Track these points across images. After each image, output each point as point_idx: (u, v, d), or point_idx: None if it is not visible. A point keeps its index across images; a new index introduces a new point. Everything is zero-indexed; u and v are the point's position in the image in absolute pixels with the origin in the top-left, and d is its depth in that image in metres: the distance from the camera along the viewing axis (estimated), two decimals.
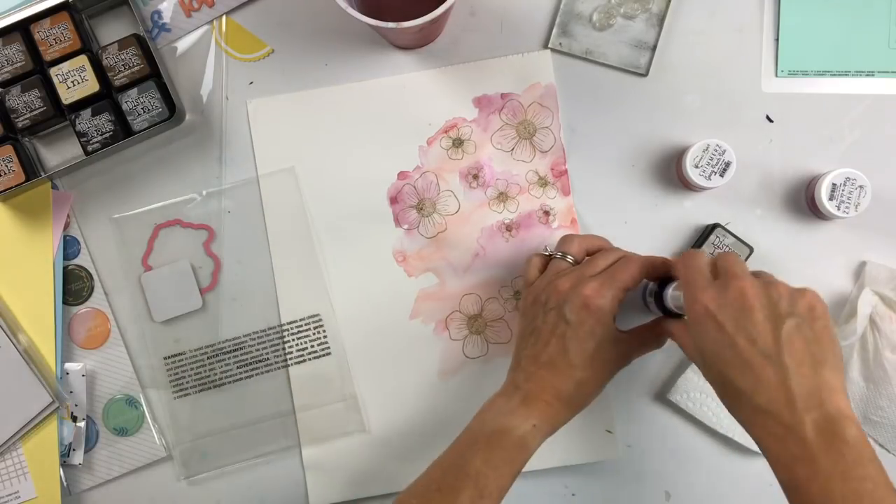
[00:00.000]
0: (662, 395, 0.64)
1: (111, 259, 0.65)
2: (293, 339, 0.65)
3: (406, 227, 0.65)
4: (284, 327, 0.65)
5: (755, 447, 0.63)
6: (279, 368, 0.65)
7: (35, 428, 0.63)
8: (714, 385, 0.48)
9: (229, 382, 0.65)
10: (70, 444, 0.64)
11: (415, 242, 0.65)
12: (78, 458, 0.64)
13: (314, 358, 0.65)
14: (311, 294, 0.65)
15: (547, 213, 0.65)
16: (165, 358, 0.65)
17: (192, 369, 0.65)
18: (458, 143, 0.65)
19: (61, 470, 0.64)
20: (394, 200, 0.65)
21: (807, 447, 0.42)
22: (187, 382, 0.65)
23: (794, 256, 0.64)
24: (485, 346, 0.65)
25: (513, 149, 0.65)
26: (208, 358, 0.65)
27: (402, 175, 0.65)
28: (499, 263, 0.65)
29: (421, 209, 0.65)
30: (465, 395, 0.65)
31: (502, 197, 0.65)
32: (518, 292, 0.65)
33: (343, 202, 0.65)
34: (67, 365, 0.65)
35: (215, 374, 0.65)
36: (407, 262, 0.65)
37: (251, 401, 0.65)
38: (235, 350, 0.65)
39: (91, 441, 0.65)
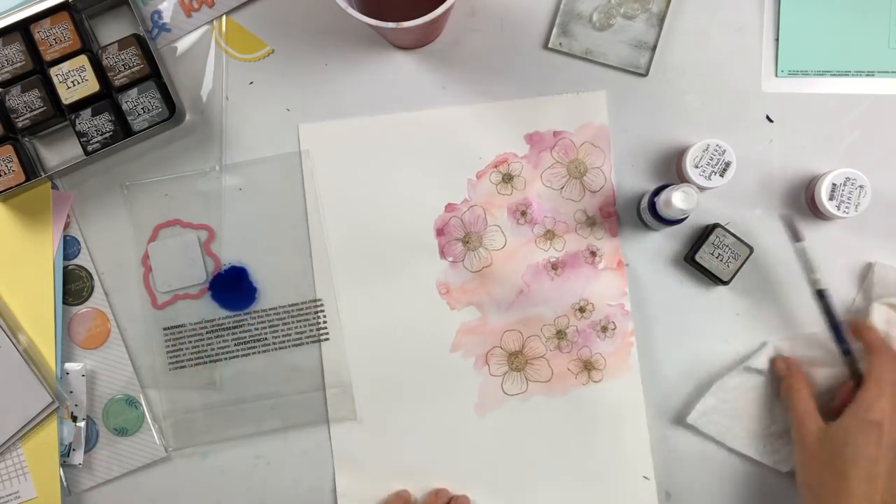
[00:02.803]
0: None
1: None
2: (293, 322, 0.65)
3: (451, 259, 0.65)
4: (285, 309, 0.65)
5: (777, 465, 0.63)
6: (276, 350, 0.65)
7: (35, 428, 0.63)
8: (826, 469, 0.55)
9: (225, 359, 0.65)
10: (70, 444, 0.64)
11: (459, 275, 0.65)
12: (78, 458, 0.64)
13: (312, 342, 0.65)
14: (314, 278, 0.65)
15: (593, 253, 0.64)
16: (165, 329, 0.65)
17: (189, 342, 0.65)
18: (507, 178, 0.65)
19: (61, 470, 0.64)
20: (440, 232, 0.65)
21: None
22: (184, 355, 0.65)
23: (793, 256, 0.64)
24: (524, 384, 0.65)
25: (562, 187, 0.64)
26: (207, 332, 0.65)
27: (449, 207, 0.65)
28: (543, 301, 0.64)
29: (467, 242, 0.65)
30: (501, 431, 0.64)
31: (549, 235, 0.64)
32: (561, 331, 0.64)
33: (388, 230, 0.65)
34: (67, 365, 0.65)
35: (213, 350, 0.65)
36: (450, 294, 0.65)
37: (246, 379, 0.65)
38: (235, 328, 0.65)
39: (91, 441, 0.65)
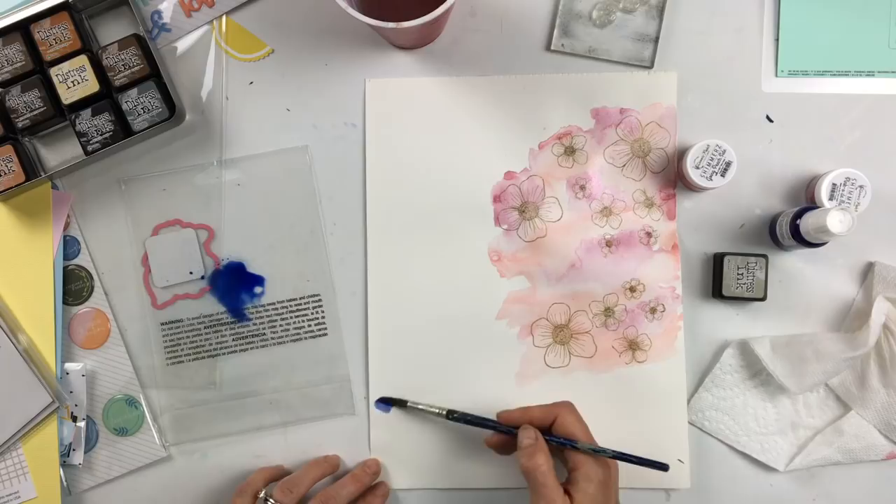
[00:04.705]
0: None
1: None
2: (291, 318, 0.65)
3: (505, 227, 0.65)
4: (283, 304, 0.65)
5: (771, 462, 0.63)
6: (275, 345, 0.65)
7: (35, 428, 0.63)
8: None
9: (224, 354, 0.65)
10: (70, 444, 0.64)
11: (512, 244, 0.65)
12: (78, 458, 0.64)
13: (310, 337, 0.65)
14: (312, 274, 0.65)
15: (649, 234, 0.64)
16: (163, 324, 0.65)
17: (188, 337, 0.65)
18: (570, 151, 0.64)
19: (61, 470, 0.64)
20: (497, 199, 0.65)
21: None
22: (182, 350, 0.65)
23: (794, 257, 0.64)
24: (567, 358, 0.65)
25: (624, 165, 0.64)
26: (205, 328, 0.65)
27: (508, 175, 0.65)
28: (594, 277, 0.64)
29: (523, 212, 0.65)
30: (540, 402, 0.64)
31: (606, 212, 0.64)
32: (609, 309, 0.64)
33: (445, 192, 0.65)
34: (67, 365, 0.65)
35: (210, 345, 0.65)
36: (501, 261, 0.65)
37: (244, 375, 0.65)
38: (233, 323, 0.65)
39: (91, 441, 0.65)
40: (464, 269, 0.65)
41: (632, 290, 0.64)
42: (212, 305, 0.65)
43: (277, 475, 0.62)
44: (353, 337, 0.65)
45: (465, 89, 0.65)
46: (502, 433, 0.60)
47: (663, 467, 0.57)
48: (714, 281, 0.64)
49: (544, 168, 0.65)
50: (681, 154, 0.63)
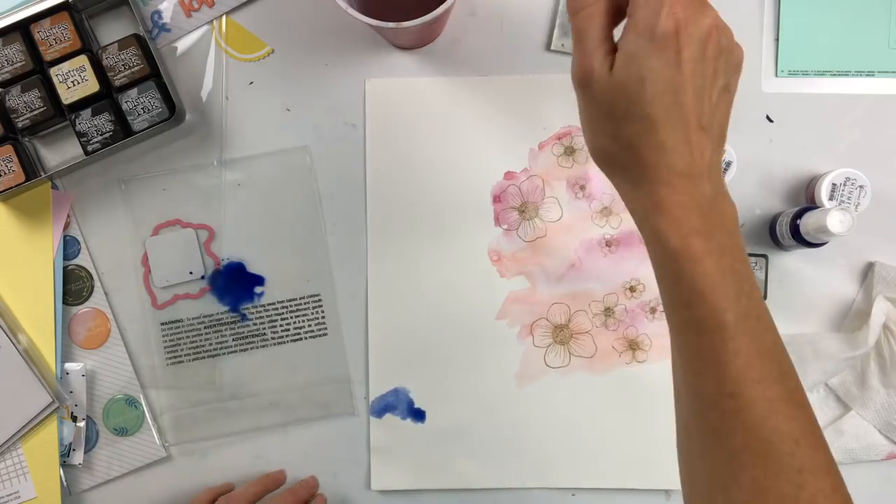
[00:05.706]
0: None
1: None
2: (291, 318, 0.65)
3: (505, 227, 0.65)
4: (284, 304, 0.65)
5: None
6: (275, 345, 0.65)
7: (35, 428, 0.63)
8: (623, 124, 0.39)
9: (224, 354, 0.65)
10: (70, 444, 0.64)
11: (512, 244, 0.65)
12: (78, 458, 0.64)
13: (310, 337, 0.65)
14: (312, 274, 0.65)
15: None
16: (163, 324, 0.65)
17: (188, 337, 0.65)
18: (570, 151, 0.64)
19: (61, 470, 0.64)
20: (497, 199, 0.65)
21: (708, 220, 0.39)
22: (181, 350, 0.65)
23: (794, 257, 0.64)
24: (567, 358, 0.65)
25: None
26: (205, 328, 0.65)
27: (508, 175, 0.65)
28: (594, 277, 0.64)
29: (523, 212, 0.65)
30: (540, 403, 0.64)
31: (606, 212, 0.64)
32: (609, 309, 0.64)
33: (444, 192, 0.65)
34: (67, 365, 0.65)
35: (210, 345, 0.65)
36: (501, 262, 0.65)
37: (244, 375, 0.65)
38: (233, 323, 0.65)
39: (91, 441, 0.65)
40: (464, 269, 0.65)
41: (632, 289, 0.64)
42: (212, 305, 0.65)
43: (223, 492, 0.62)
44: (353, 337, 0.65)
45: (465, 89, 0.65)
46: None
47: None
48: None
49: (544, 168, 0.65)
50: None
